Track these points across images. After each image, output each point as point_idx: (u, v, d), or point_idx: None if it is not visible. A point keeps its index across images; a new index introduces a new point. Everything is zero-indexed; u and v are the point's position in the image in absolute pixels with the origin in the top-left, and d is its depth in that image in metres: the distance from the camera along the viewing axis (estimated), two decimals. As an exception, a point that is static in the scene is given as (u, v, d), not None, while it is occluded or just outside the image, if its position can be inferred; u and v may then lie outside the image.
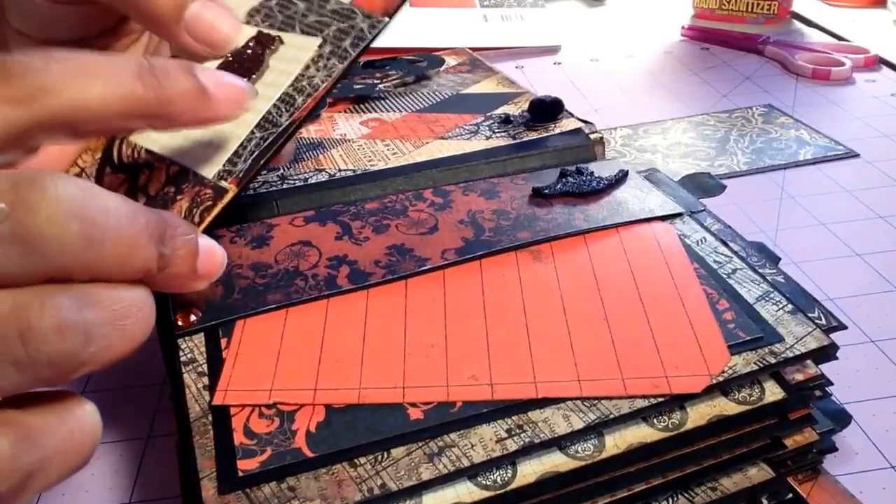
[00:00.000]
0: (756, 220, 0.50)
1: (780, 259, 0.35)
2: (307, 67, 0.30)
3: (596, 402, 0.25)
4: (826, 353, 0.28)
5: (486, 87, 0.48)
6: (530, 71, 0.76)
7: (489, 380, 0.26)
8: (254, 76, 0.30)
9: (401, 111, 0.45)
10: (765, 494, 0.28)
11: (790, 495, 0.29)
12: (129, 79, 0.21)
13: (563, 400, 0.25)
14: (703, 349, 0.27)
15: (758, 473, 0.28)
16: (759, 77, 0.73)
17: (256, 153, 0.28)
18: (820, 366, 0.29)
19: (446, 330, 0.28)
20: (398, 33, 0.71)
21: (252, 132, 0.29)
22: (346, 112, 0.45)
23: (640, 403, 0.25)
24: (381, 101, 0.46)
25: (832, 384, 0.29)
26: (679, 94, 0.69)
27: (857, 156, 0.58)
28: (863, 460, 0.32)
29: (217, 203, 0.28)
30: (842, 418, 0.32)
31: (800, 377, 0.28)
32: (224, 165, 0.29)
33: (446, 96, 0.47)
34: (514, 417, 0.25)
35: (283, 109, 0.29)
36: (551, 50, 0.82)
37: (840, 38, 0.80)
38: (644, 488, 0.26)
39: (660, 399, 0.25)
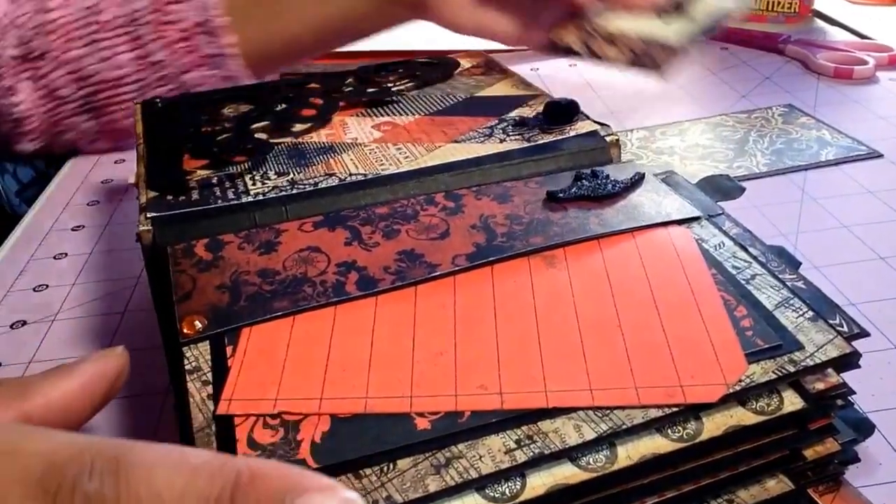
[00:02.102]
0: (776, 222, 0.49)
1: (800, 264, 0.34)
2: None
3: (608, 411, 0.24)
4: (848, 361, 0.27)
5: (500, 89, 0.48)
6: (545, 72, 0.76)
7: (499, 389, 0.25)
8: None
9: (413, 114, 0.44)
10: (785, 506, 0.27)
11: (811, 508, 0.28)
12: None
13: (575, 410, 0.24)
14: (719, 357, 0.26)
15: (776, 485, 0.27)
16: (780, 77, 0.71)
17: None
18: (842, 374, 0.28)
19: (456, 338, 0.27)
20: (411, 35, 0.70)
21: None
22: (357, 115, 0.45)
23: (654, 413, 0.24)
24: (394, 105, 0.46)
25: (854, 393, 0.28)
26: (697, 94, 0.68)
27: (880, 156, 0.56)
28: (886, 471, 0.31)
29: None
30: (864, 427, 0.31)
31: (821, 386, 0.27)
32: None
33: (460, 99, 0.46)
34: (524, 428, 0.24)
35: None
36: None
37: (863, 37, 0.79)
38: (657, 501, 0.25)
39: (674, 409, 0.25)
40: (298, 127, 0.43)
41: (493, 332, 0.27)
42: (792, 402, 0.26)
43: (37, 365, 0.41)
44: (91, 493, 0.18)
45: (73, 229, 0.55)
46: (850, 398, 0.29)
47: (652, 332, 0.27)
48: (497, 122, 0.42)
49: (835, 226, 0.48)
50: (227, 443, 0.24)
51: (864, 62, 0.70)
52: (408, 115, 0.44)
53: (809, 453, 0.28)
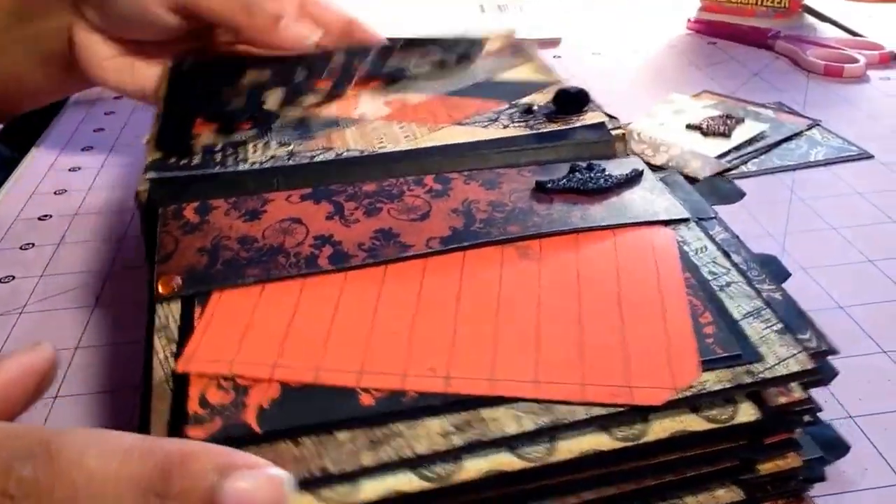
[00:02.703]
0: (764, 223, 0.48)
1: (789, 275, 0.34)
2: None
3: (551, 405, 0.25)
4: (814, 376, 0.27)
5: (521, 73, 0.48)
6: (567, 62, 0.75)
7: (446, 373, 0.25)
8: None
9: (427, 93, 0.45)
10: (732, 516, 0.27)
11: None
12: None
13: (518, 400, 0.25)
14: (673, 362, 0.26)
15: (726, 494, 0.27)
16: (769, 73, 0.70)
17: None
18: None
19: (415, 320, 0.28)
20: (386, 23, 0.70)
21: None
22: (372, 91, 0.45)
23: (598, 411, 0.25)
24: (410, 81, 0.46)
25: (821, 410, 0.28)
26: (684, 90, 0.66)
27: (870, 157, 0.55)
28: (873, 476, 0.31)
29: None
30: (837, 447, 0.31)
31: (782, 400, 0.27)
32: None
33: (477, 80, 0.46)
34: (465, 413, 0.24)
35: None
36: (551, 43, 0.80)
37: (854, 34, 0.77)
38: (597, 497, 0.25)
39: (618, 409, 0.25)
40: (311, 99, 0.44)
41: (454, 317, 0.28)
42: (747, 413, 0.26)
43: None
44: (26, 479, 0.19)
45: (39, 219, 0.53)
46: (825, 412, 0.29)
47: (610, 330, 0.27)
48: (507, 106, 0.42)
49: (823, 227, 0.48)
50: (180, 399, 0.25)
51: (855, 60, 0.68)
52: (421, 93, 0.45)
53: (769, 466, 0.28)
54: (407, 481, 0.23)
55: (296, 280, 0.29)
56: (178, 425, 0.24)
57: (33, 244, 0.50)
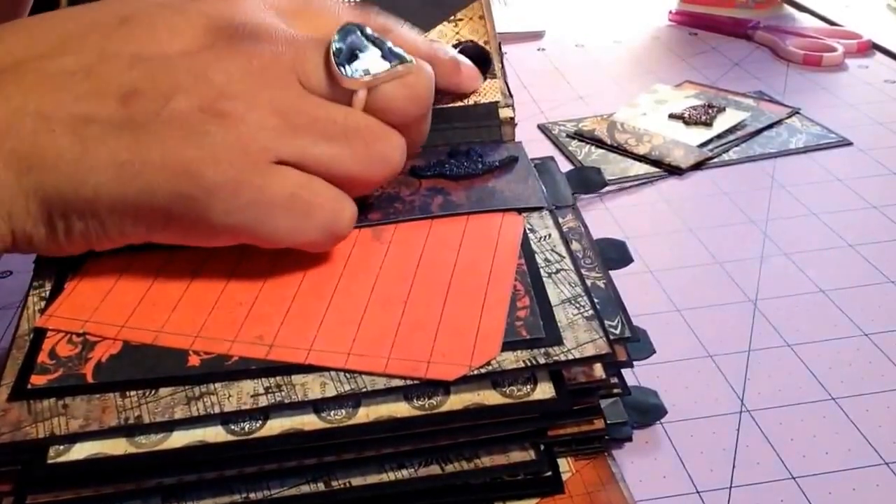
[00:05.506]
0: (746, 210, 0.50)
1: (632, 260, 0.36)
2: None
3: (356, 375, 0.28)
4: (610, 360, 0.30)
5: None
6: (513, 57, 0.77)
7: (271, 342, 0.29)
8: None
9: None
10: (524, 471, 0.30)
11: (549, 472, 0.31)
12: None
13: (328, 369, 0.28)
14: (477, 341, 0.29)
15: (519, 454, 0.30)
16: (749, 63, 0.71)
17: None
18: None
19: (260, 292, 0.31)
20: None
21: None
22: None
23: (397, 382, 0.28)
24: None
25: (622, 389, 0.31)
26: (666, 80, 0.68)
27: (850, 144, 0.57)
28: (857, 457, 0.33)
29: None
30: (654, 412, 0.34)
31: (582, 379, 0.30)
32: None
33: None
34: (278, 378, 0.28)
35: None
36: (535, 35, 0.81)
37: (832, 23, 0.79)
38: (392, 451, 0.29)
39: (415, 381, 0.28)
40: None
41: (294, 292, 0.31)
42: (543, 391, 0.29)
43: None
44: None
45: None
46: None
47: (431, 311, 0.30)
48: None
49: (804, 213, 0.49)
50: (34, 350, 0.28)
51: (833, 49, 0.69)
52: None
53: (572, 429, 0.31)
54: (213, 434, 0.27)
55: (162, 252, 0.32)
56: (25, 372, 0.28)
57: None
